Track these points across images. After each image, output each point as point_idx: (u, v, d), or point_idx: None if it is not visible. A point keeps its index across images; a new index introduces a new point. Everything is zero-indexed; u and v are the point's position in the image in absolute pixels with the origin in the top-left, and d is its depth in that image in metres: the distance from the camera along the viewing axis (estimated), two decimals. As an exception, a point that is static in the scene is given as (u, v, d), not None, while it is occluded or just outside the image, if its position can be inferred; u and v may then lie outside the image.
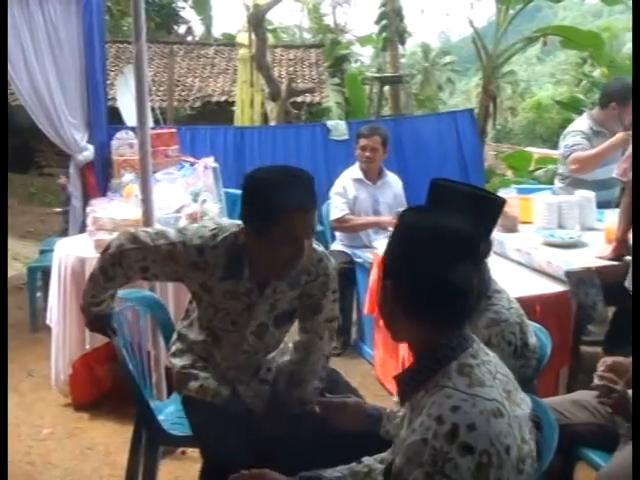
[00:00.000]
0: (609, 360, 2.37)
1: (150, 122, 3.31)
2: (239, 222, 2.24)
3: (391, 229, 4.99)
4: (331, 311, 2.44)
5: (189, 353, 2.43)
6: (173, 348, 2.50)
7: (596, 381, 2.24)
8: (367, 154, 4.89)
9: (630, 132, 3.31)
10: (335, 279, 2.40)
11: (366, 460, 1.84)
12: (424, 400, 1.45)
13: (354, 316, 5.08)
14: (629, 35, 32.29)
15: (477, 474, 1.32)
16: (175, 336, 2.53)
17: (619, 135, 4.20)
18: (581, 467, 2.56)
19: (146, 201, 3.35)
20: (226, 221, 2.37)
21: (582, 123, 4.72)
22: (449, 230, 1.49)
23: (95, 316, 2.46)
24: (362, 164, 4.96)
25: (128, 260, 2.26)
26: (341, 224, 4.94)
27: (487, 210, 2.20)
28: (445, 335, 1.49)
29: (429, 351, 1.50)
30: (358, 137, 4.96)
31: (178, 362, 2.43)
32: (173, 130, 5.66)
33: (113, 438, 3.56)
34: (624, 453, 2.25)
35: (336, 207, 4.90)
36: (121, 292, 2.58)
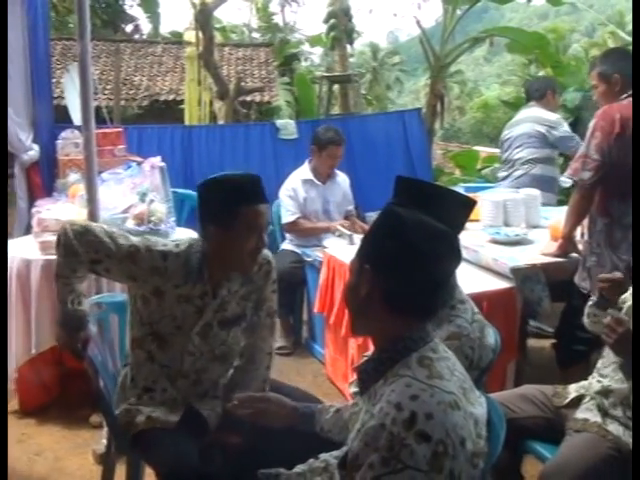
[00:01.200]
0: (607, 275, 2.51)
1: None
2: (195, 236, 2.37)
3: (341, 229, 4.96)
4: (270, 301, 2.50)
5: (133, 389, 2.39)
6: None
7: (607, 319, 2.24)
8: (339, 160, 4.95)
9: None
10: (275, 269, 2.49)
11: (322, 456, 1.86)
12: (382, 389, 1.47)
13: (304, 315, 5.08)
14: (575, 36, 33.15)
15: (432, 462, 1.33)
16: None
17: None
18: (528, 460, 2.61)
19: (92, 201, 3.30)
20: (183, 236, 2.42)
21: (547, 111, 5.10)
22: (436, 226, 1.53)
23: (73, 317, 2.36)
24: (327, 169, 4.96)
25: (79, 251, 2.25)
26: (292, 227, 4.93)
27: (461, 210, 2.16)
28: (409, 327, 1.52)
29: (392, 342, 1.52)
30: (327, 143, 4.84)
31: (122, 405, 2.38)
32: (120, 129, 5.58)
33: (62, 444, 3.49)
34: (569, 445, 2.30)
35: (288, 211, 4.88)
36: (95, 298, 2.53)
